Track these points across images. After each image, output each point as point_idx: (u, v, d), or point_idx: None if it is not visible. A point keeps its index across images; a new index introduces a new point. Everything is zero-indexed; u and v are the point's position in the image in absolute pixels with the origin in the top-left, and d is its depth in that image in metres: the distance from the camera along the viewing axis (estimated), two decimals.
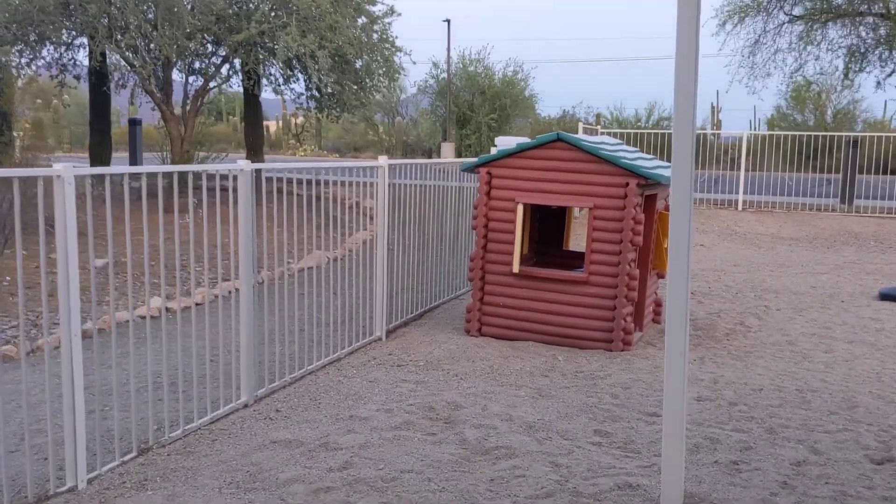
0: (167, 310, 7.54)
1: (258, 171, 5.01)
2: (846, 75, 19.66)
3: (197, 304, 7.40)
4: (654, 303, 7.41)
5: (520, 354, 6.24)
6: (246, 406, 4.93)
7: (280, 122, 46.30)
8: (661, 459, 3.57)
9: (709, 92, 40.41)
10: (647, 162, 6.85)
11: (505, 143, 6.72)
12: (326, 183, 8.36)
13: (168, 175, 4.83)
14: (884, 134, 19.48)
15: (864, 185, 17.72)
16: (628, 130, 21.69)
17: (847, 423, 4.76)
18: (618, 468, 3.97)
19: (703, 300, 8.65)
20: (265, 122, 53.25)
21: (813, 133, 19.98)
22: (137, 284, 8.05)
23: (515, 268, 6.49)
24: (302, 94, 15.81)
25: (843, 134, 17.74)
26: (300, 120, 41.82)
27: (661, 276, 7.39)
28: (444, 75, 35.92)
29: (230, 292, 4.95)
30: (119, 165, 13.14)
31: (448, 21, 36.19)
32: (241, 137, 41.16)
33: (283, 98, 16.41)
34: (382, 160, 6.57)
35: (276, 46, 12.97)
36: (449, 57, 35.85)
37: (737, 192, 16.83)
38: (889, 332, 7.29)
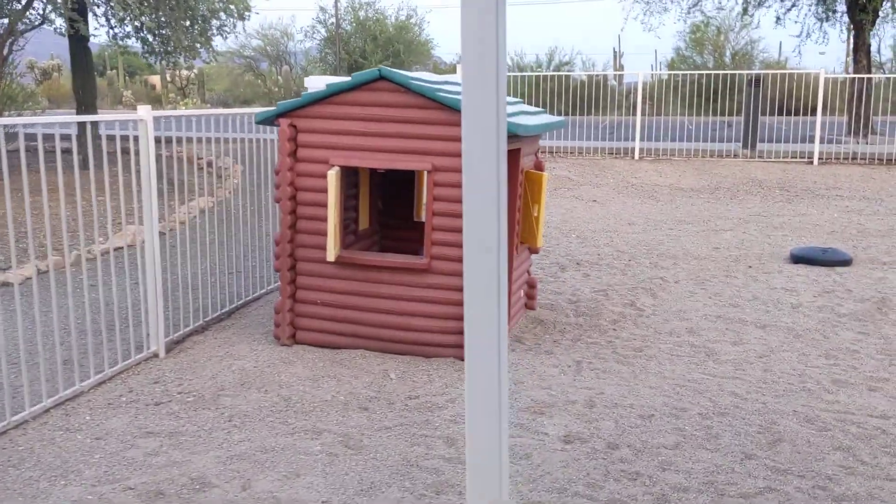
0: None
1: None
2: (745, 10, 18.50)
3: None
4: (525, 284, 5.89)
5: (339, 373, 4.61)
6: None
7: (164, 76, 42.77)
8: None
9: (609, 36, 39.35)
10: (507, 107, 5.23)
11: (316, 84, 4.97)
12: (179, 140, 6.45)
13: None
14: (786, 71, 18.46)
15: (767, 127, 16.73)
16: (528, 74, 20.20)
17: (770, 476, 3.34)
18: None
19: (591, 272, 7.20)
20: (150, 78, 49.29)
21: (712, 72, 18.85)
22: None
23: (330, 255, 4.81)
24: (128, 36, 13.47)
25: (744, 72, 16.60)
26: (184, 73, 38.78)
27: (533, 251, 5.87)
28: (333, 20, 33.59)
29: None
30: None
31: None
32: (118, 93, 37.74)
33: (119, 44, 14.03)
34: (143, 111, 4.75)
35: None
36: (337, 1, 33.44)
37: (633, 140, 15.52)
38: (807, 309, 5.99)
